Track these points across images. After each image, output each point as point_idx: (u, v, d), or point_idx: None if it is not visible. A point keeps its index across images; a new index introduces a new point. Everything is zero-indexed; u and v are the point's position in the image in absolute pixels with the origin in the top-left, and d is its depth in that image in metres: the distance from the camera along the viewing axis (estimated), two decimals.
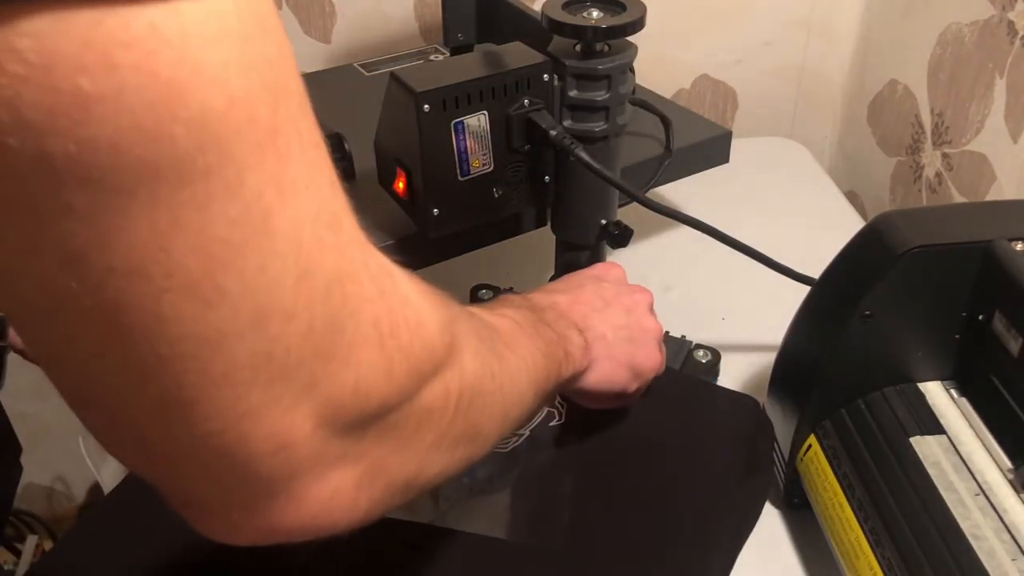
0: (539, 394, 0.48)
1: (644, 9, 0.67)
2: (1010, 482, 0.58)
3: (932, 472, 0.60)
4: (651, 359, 0.60)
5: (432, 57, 1.04)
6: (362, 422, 0.33)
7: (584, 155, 0.66)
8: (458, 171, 0.67)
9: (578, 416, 0.65)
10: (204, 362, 0.28)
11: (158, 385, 0.28)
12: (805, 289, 0.69)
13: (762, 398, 0.72)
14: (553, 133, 0.67)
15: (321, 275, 0.30)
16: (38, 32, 0.23)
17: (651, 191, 0.84)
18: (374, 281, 0.33)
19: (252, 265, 0.27)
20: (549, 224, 0.78)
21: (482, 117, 0.66)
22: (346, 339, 0.31)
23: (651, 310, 0.62)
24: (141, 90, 0.24)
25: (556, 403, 0.67)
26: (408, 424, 0.35)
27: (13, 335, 0.68)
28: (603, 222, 0.73)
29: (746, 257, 0.75)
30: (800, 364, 0.68)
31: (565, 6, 0.68)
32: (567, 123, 0.69)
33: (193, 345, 0.27)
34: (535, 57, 0.68)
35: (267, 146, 0.27)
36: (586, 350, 0.56)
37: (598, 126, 0.69)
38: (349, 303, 0.31)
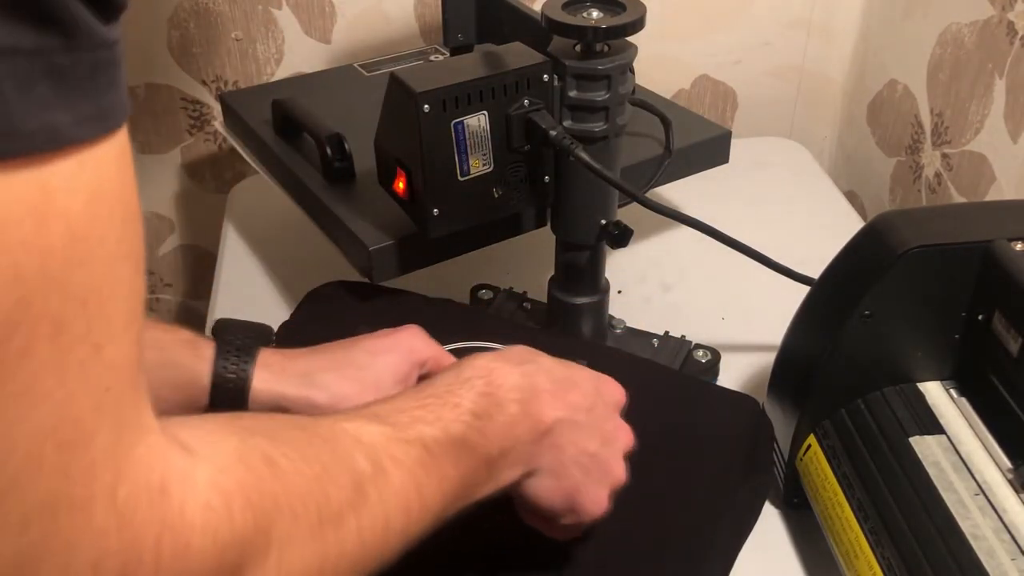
0: (423, 529, 0.44)
1: (644, 9, 0.67)
2: (1010, 482, 0.58)
3: (932, 472, 0.60)
4: (595, 503, 0.53)
5: (432, 57, 1.04)
6: None
7: (584, 155, 0.66)
8: (458, 171, 0.67)
9: None
10: None
11: None
12: (805, 289, 0.69)
13: (762, 398, 0.72)
14: (553, 133, 0.67)
15: (22, 502, 0.27)
16: None
17: (651, 191, 0.84)
18: (115, 509, 0.29)
19: None
20: (549, 224, 0.78)
21: (482, 117, 0.66)
22: None
23: (624, 456, 0.55)
24: None
25: None
26: None
27: None
28: (603, 222, 0.73)
29: (746, 257, 0.75)
30: (800, 364, 0.68)
31: (565, 6, 0.68)
32: (567, 123, 0.69)
33: None
34: (535, 57, 0.68)
35: None
36: (526, 460, 0.51)
37: (598, 126, 0.69)
38: (58, 536, 0.27)
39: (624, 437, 0.55)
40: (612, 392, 0.57)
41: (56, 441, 0.27)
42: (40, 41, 0.25)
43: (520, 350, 0.55)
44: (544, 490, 0.52)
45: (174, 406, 0.56)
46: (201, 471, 0.33)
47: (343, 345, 0.61)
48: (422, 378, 0.61)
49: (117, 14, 0.28)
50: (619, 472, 0.54)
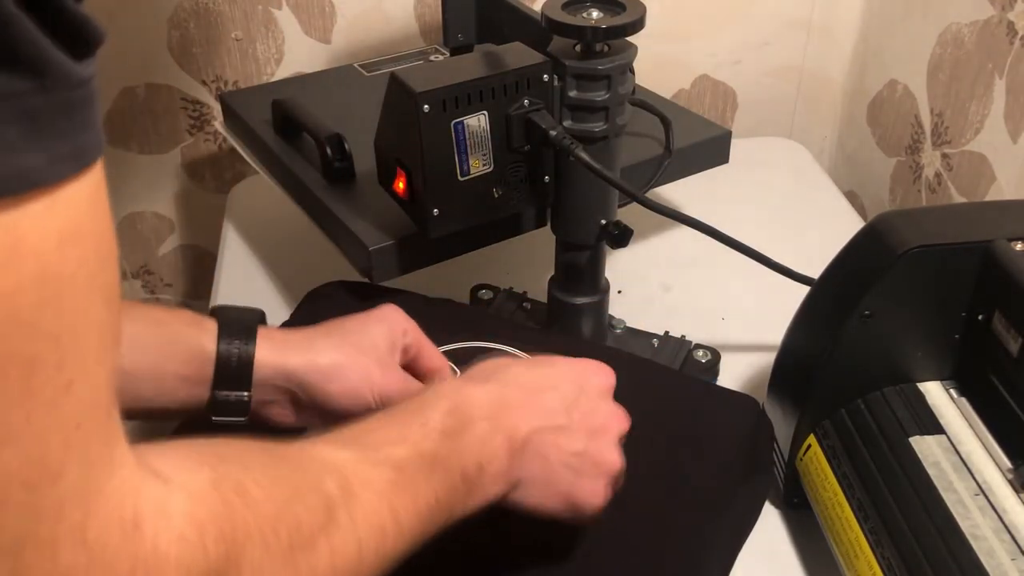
0: (403, 550, 0.44)
1: (644, 9, 0.67)
2: (1010, 482, 0.58)
3: (932, 472, 0.60)
4: (594, 496, 0.52)
5: (432, 57, 1.04)
6: None
7: (584, 155, 0.66)
8: (458, 171, 0.67)
9: None
10: None
11: None
12: (805, 289, 0.69)
13: (762, 398, 0.72)
14: (553, 133, 0.67)
15: None
16: None
17: (651, 191, 0.84)
18: (85, 547, 0.29)
19: None
20: (549, 224, 0.78)
21: (482, 117, 0.66)
22: None
23: (618, 441, 0.54)
24: None
25: None
26: None
27: None
28: (603, 222, 0.73)
29: (746, 257, 0.75)
30: (800, 364, 0.68)
31: (565, 6, 0.68)
32: (567, 123, 0.69)
33: None
34: (535, 57, 0.68)
35: None
36: (507, 474, 0.50)
37: (598, 126, 0.69)
38: (26, 575, 0.28)
39: (615, 424, 0.54)
40: (597, 379, 0.56)
41: (22, 480, 0.27)
42: (10, 85, 0.25)
43: (487, 365, 0.54)
44: (537, 498, 0.52)
45: (181, 381, 0.56)
46: (175, 501, 0.33)
47: (335, 321, 0.62)
48: (405, 351, 0.63)
49: (93, 50, 0.28)
50: (613, 460, 0.53)
